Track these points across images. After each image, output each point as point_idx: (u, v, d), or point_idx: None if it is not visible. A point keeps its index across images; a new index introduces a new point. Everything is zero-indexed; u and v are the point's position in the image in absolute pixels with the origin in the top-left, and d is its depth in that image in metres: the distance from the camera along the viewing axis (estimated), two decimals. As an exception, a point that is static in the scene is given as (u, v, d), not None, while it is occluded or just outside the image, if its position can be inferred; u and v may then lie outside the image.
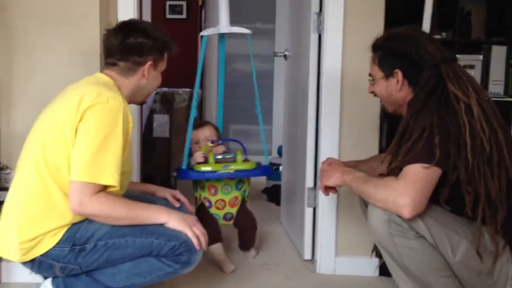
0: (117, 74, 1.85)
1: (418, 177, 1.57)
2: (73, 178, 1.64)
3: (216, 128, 2.59)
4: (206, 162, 2.39)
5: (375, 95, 1.89)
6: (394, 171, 1.65)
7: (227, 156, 2.38)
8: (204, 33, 2.43)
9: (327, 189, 1.95)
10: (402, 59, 1.74)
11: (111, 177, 1.65)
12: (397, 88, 1.77)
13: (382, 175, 1.72)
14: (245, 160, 2.43)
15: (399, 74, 1.75)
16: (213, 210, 2.48)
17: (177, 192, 2.13)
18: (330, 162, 1.99)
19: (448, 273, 1.66)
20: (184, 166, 2.39)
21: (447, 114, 1.62)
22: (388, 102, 1.84)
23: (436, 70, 1.69)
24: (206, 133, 2.52)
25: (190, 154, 2.46)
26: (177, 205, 2.07)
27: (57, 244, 1.70)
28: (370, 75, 1.87)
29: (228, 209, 2.49)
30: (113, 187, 1.68)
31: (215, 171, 2.31)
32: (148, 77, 1.87)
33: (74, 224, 1.72)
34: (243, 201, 2.55)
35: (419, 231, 1.63)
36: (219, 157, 2.37)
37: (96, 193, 1.64)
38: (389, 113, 1.89)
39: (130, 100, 1.89)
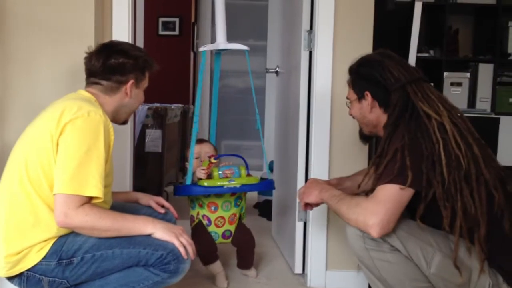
0: (99, 92, 1.87)
1: (388, 197, 1.61)
2: (57, 191, 1.64)
3: (212, 144, 2.57)
4: (208, 177, 2.34)
5: (354, 117, 1.95)
6: (369, 194, 1.69)
7: (231, 171, 2.36)
8: (203, 48, 2.44)
9: (307, 206, 2.01)
10: (370, 82, 1.82)
11: (95, 188, 1.66)
12: (368, 110, 1.85)
13: (357, 195, 1.77)
14: (248, 175, 2.40)
15: (368, 95, 1.83)
16: (212, 228, 2.44)
17: (161, 198, 2.14)
18: (312, 181, 2.06)
19: (426, 284, 1.69)
20: (188, 182, 2.32)
21: (420, 132, 1.67)
22: (363, 123, 1.92)
23: (402, 91, 1.75)
24: (206, 148, 2.49)
25: (182, 169, 2.45)
26: (162, 211, 2.08)
27: (43, 258, 1.70)
28: (347, 97, 1.95)
29: (227, 226, 2.46)
30: (98, 198, 1.68)
31: (221, 186, 2.28)
32: (130, 95, 1.90)
33: (60, 238, 1.72)
34: (240, 219, 2.52)
35: (393, 244, 1.67)
36: (223, 172, 2.35)
37: (81, 205, 1.64)
38: (366, 134, 1.96)
39: (113, 118, 1.90)
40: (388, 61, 1.80)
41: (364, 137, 1.98)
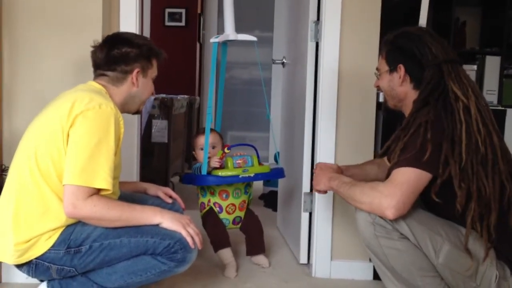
0: (107, 83, 1.89)
1: (405, 180, 1.62)
2: (66, 182, 1.67)
3: (219, 134, 2.61)
4: (221, 167, 2.40)
5: (379, 89, 1.94)
6: (391, 168, 1.69)
7: (245, 161, 2.43)
8: (214, 39, 2.45)
9: (319, 191, 2.01)
10: (406, 55, 1.79)
11: (104, 181, 1.69)
12: (398, 83, 1.82)
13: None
14: (259, 164, 2.48)
15: (402, 69, 1.80)
16: (223, 215, 2.51)
17: (169, 189, 2.17)
18: (321, 166, 2.05)
19: (433, 274, 1.70)
20: (204, 172, 2.37)
21: (444, 111, 1.67)
22: (389, 96, 1.89)
23: (437, 69, 1.74)
24: (211, 139, 2.51)
25: (187, 160, 2.48)
26: (170, 201, 2.11)
27: (52, 247, 1.73)
28: (377, 69, 1.93)
29: (237, 213, 2.53)
30: (106, 190, 1.71)
31: (237, 175, 2.36)
32: (137, 84, 1.91)
33: (68, 226, 1.74)
34: (248, 204, 2.59)
35: (402, 232, 1.68)
36: (237, 161, 2.41)
37: (89, 196, 1.67)
38: (390, 107, 1.93)
39: (123, 109, 1.92)
40: (428, 37, 1.78)
41: (387, 109, 1.96)
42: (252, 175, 2.38)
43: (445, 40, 1.83)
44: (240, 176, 2.36)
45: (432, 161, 1.61)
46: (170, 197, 2.14)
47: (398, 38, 1.84)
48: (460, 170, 1.61)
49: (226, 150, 2.42)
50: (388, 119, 2.47)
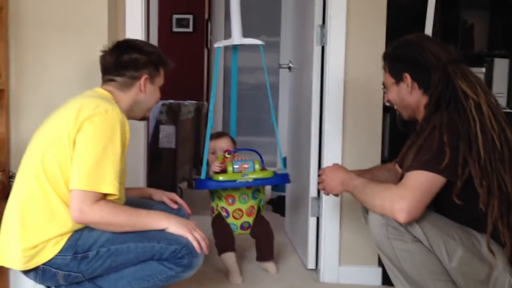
0: (115, 89, 1.90)
1: (418, 184, 1.60)
2: (73, 187, 1.67)
3: (233, 139, 2.61)
4: (223, 171, 2.40)
5: (391, 103, 1.92)
6: (405, 171, 1.68)
7: (245, 165, 2.40)
8: (217, 44, 2.46)
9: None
10: (409, 63, 1.78)
11: (111, 186, 1.69)
12: (407, 92, 1.80)
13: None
14: (262, 169, 2.45)
15: (407, 77, 1.79)
16: (230, 220, 2.50)
17: (174, 194, 2.16)
18: (330, 170, 1.99)
19: (445, 278, 1.68)
20: (203, 176, 2.38)
21: (457, 112, 1.65)
22: (402, 107, 1.87)
23: (443, 70, 1.72)
24: (223, 143, 2.52)
25: (195, 165, 2.49)
26: (175, 207, 2.10)
27: (59, 252, 1.73)
28: (383, 84, 1.92)
29: (245, 218, 2.51)
30: (113, 195, 1.71)
31: (234, 180, 2.33)
32: (145, 91, 1.92)
33: (75, 232, 1.75)
34: (259, 211, 2.56)
35: (416, 235, 1.66)
36: (237, 166, 2.40)
37: (96, 201, 1.67)
38: (405, 119, 1.91)
39: (129, 115, 1.92)
40: (427, 42, 1.78)
41: (403, 122, 1.94)
42: (250, 180, 2.35)
43: (445, 43, 1.82)
44: (238, 181, 2.34)
45: (448, 165, 1.59)
46: (176, 202, 2.14)
47: (397, 49, 1.84)
48: (479, 168, 1.60)
49: (226, 155, 2.41)
50: (394, 123, 2.45)
